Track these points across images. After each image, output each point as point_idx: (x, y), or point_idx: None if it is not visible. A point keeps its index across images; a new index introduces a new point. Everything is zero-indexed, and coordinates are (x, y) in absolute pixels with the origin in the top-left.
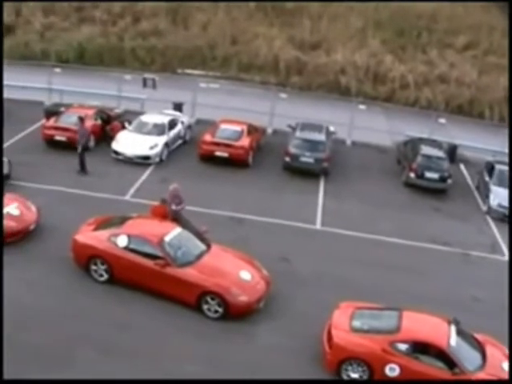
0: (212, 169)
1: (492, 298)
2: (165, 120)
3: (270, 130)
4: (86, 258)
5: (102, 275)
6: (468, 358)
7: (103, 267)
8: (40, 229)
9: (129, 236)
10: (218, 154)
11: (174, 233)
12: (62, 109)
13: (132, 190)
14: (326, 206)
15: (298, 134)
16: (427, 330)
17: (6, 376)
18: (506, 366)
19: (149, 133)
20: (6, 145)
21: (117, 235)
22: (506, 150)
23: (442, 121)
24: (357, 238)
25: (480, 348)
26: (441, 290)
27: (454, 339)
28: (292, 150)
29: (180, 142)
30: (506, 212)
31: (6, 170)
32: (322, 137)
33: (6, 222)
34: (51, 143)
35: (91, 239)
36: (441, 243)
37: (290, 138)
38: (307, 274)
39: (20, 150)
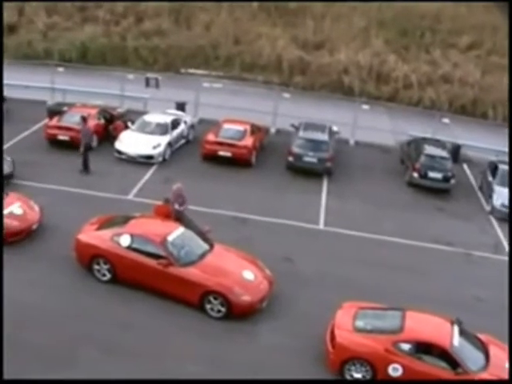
0: (215, 168)
1: (495, 298)
2: (168, 120)
3: (273, 130)
4: (89, 258)
5: (104, 275)
6: (471, 358)
7: (106, 267)
8: (43, 228)
9: (132, 235)
10: (221, 153)
11: (177, 232)
12: (65, 108)
13: (135, 190)
14: (329, 205)
15: (301, 133)
16: (430, 330)
17: (9, 376)
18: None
19: (152, 132)
20: (9, 144)
21: (120, 235)
22: (505, 149)
23: (446, 121)
24: (360, 238)
25: (483, 348)
26: (444, 290)
27: (456, 339)
28: (295, 149)
29: (183, 141)
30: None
31: (9, 169)
32: (325, 137)
33: (9, 222)
34: (54, 142)
35: (94, 239)
36: (444, 243)
37: (293, 137)
38: (310, 273)
39: (23, 150)
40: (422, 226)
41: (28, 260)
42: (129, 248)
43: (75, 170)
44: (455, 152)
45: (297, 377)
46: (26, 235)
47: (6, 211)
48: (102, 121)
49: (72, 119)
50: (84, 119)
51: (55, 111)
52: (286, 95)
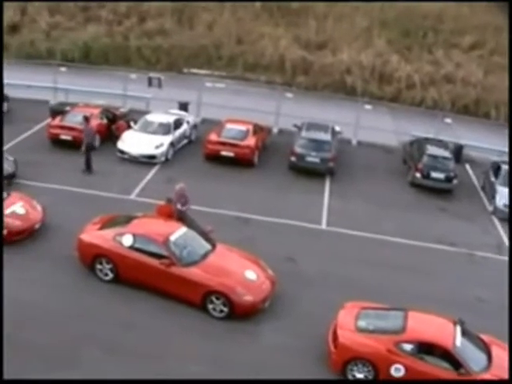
0: (217, 168)
1: (497, 299)
2: (170, 119)
3: (275, 130)
4: (91, 257)
5: (107, 274)
6: (473, 358)
7: (108, 266)
8: (45, 228)
9: (134, 235)
10: (223, 153)
11: (179, 232)
12: (68, 108)
13: (137, 190)
14: (332, 205)
15: (303, 133)
16: (432, 330)
17: (12, 376)
18: None
19: (154, 132)
20: (11, 144)
21: (122, 234)
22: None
23: (448, 121)
24: (362, 238)
25: (485, 349)
26: (446, 290)
27: (459, 340)
28: (298, 149)
29: (185, 141)
30: None
31: (11, 169)
32: (327, 136)
33: (12, 221)
34: (57, 142)
35: (96, 238)
36: (446, 243)
37: (295, 137)
38: (313, 273)
39: (25, 149)
40: (424, 226)
41: (30, 259)
42: (131, 248)
43: (78, 170)
44: (458, 152)
45: (299, 377)
46: (28, 235)
47: (8, 211)
48: (105, 120)
49: (74, 119)
50: (86, 119)
51: (58, 111)
52: (289, 95)
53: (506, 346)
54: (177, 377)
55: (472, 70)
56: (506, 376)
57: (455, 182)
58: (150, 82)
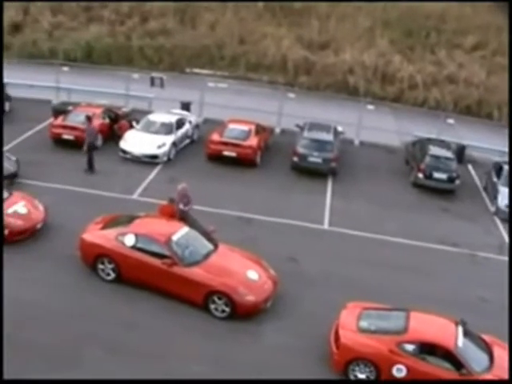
0: (220, 168)
1: (499, 299)
2: (172, 119)
3: (277, 130)
4: (94, 257)
5: (109, 274)
6: (475, 359)
7: (110, 266)
8: (47, 227)
9: (136, 235)
10: (225, 153)
11: (181, 232)
12: (70, 107)
13: (140, 189)
14: (334, 206)
15: (306, 133)
16: (434, 330)
17: (13, 376)
18: None
19: (157, 132)
20: (13, 143)
21: (124, 234)
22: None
23: (451, 121)
24: (364, 239)
25: (487, 349)
26: (448, 290)
27: (461, 340)
28: (300, 149)
29: (188, 141)
30: None
31: (13, 169)
32: (330, 137)
33: (14, 221)
34: (59, 142)
35: (98, 238)
36: (448, 244)
37: (298, 137)
38: (315, 273)
39: (28, 149)
40: (426, 226)
41: (32, 259)
42: (133, 247)
43: (80, 170)
44: (460, 153)
45: (301, 377)
46: (30, 234)
47: (10, 210)
48: (107, 120)
49: (77, 118)
50: (89, 119)
51: (60, 110)
52: (291, 95)
53: (508, 346)
54: (179, 377)
55: (474, 70)
56: (507, 376)
57: (457, 182)
58: (152, 82)
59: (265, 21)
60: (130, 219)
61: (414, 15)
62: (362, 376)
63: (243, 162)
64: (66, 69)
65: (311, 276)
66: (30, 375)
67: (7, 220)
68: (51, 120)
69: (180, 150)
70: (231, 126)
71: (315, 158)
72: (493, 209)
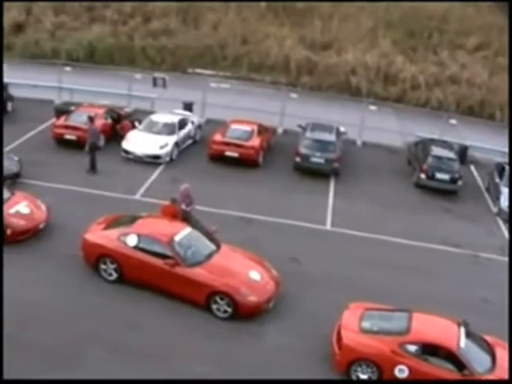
0: (222, 169)
1: (501, 300)
2: (175, 119)
3: (280, 130)
4: (96, 257)
5: (111, 274)
6: (477, 359)
7: (113, 266)
8: (50, 227)
9: (138, 235)
10: (228, 153)
11: (183, 232)
12: (72, 107)
13: (142, 190)
14: (336, 206)
15: (308, 134)
16: (437, 331)
17: (16, 375)
18: None
19: (159, 132)
20: (16, 143)
21: (126, 234)
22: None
23: (453, 122)
24: (367, 239)
25: (490, 350)
26: (451, 291)
27: (463, 341)
28: (302, 150)
29: (190, 141)
30: None
31: (16, 169)
32: (332, 137)
33: (16, 221)
34: (61, 142)
35: (101, 238)
36: (451, 245)
37: (300, 138)
38: (317, 274)
39: (30, 149)
40: (429, 227)
41: (35, 259)
42: (135, 248)
43: (82, 170)
44: (462, 153)
45: (303, 377)
46: (32, 234)
47: (12, 210)
48: (109, 120)
49: (79, 119)
50: (91, 119)
51: (62, 110)
52: (294, 95)
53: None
54: (181, 377)
55: (477, 71)
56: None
57: (460, 183)
58: (154, 82)
59: (267, 21)
60: (132, 219)
61: (417, 16)
62: (364, 376)
63: (245, 162)
64: (68, 69)
65: (313, 276)
66: (32, 375)
67: (10, 220)
68: (53, 120)
69: (182, 151)
70: (233, 126)
71: (317, 159)
72: (495, 210)
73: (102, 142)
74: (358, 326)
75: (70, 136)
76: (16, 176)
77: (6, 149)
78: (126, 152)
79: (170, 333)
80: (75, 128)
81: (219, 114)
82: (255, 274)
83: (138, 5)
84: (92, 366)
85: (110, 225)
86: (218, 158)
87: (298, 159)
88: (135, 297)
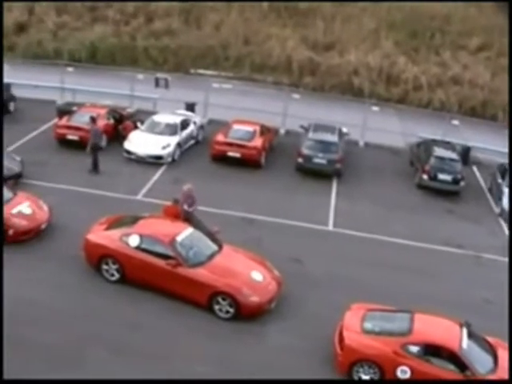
0: (224, 169)
1: (504, 301)
2: (177, 120)
3: (282, 131)
4: (98, 258)
5: (113, 275)
6: (480, 360)
7: (115, 267)
8: (52, 228)
9: (140, 236)
10: (230, 154)
11: (185, 233)
12: (75, 108)
13: (144, 190)
14: (339, 207)
15: (310, 135)
16: (439, 332)
17: (17, 375)
18: None
19: (161, 133)
20: (18, 144)
21: (128, 235)
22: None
23: (455, 122)
24: (369, 240)
25: (492, 351)
26: (453, 292)
27: (465, 342)
28: (305, 151)
29: (192, 142)
30: None
31: (18, 169)
32: (334, 138)
33: (18, 221)
34: (63, 142)
35: (103, 239)
36: (453, 245)
37: (302, 138)
38: (319, 275)
39: (32, 149)
40: (431, 228)
41: (37, 259)
42: (137, 248)
43: (84, 170)
44: (465, 154)
45: (305, 378)
46: (34, 235)
47: (14, 210)
48: (112, 121)
49: (81, 119)
50: (93, 119)
51: (65, 111)
52: (296, 96)
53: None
54: (183, 377)
55: (479, 71)
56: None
57: (462, 183)
58: (156, 83)
59: (270, 21)
60: (134, 220)
61: (419, 16)
62: (366, 377)
63: (248, 162)
64: (70, 69)
65: (315, 277)
66: (33, 375)
67: (12, 220)
68: (56, 120)
69: (184, 151)
70: (236, 126)
71: (320, 159)
72: (497, 210)
73: (104, 142)
74: (360, 326)
75: (72, 136)
76: (18, 176)
77: (9, 149)
78: (128, 152)
79: (172, 333)
80: (77, 128)
81: (221, 114)
82: (257, 275)
83: (140, 5)
84: (94, 367)
85: (112, 225)
86: (220, 159)
87: (300, 160)
88: (137, 297)
